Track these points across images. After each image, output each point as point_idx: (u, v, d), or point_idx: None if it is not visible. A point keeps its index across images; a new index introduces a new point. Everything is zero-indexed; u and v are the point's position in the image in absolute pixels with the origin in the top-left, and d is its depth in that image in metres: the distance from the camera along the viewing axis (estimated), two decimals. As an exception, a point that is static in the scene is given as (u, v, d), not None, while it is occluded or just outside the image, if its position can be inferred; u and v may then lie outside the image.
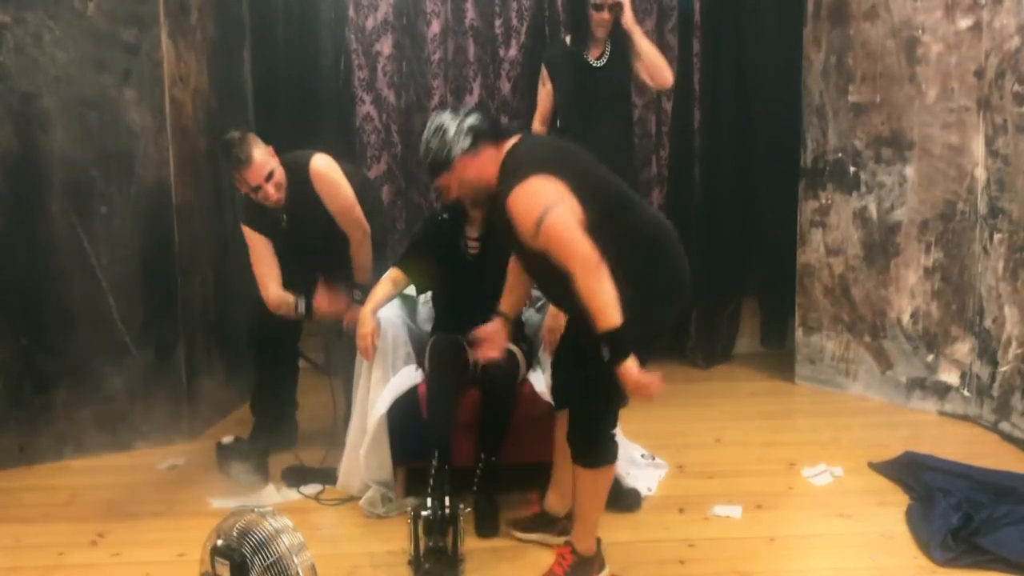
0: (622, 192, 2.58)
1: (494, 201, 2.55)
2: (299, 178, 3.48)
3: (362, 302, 3.45)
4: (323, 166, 3.51)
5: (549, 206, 2.33)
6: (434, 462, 3.04)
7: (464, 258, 3.33)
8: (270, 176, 3.37)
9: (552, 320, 3.21)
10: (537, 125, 4.21)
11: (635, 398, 2.44)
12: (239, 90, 4.60)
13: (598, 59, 4.06)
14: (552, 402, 2.99)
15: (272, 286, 3.54)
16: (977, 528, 2.95)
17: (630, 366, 2.36)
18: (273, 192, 3.39)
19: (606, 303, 2.32)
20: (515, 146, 2.54)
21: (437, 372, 3.17)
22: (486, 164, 2.53)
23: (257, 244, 3.55)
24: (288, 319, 3.60)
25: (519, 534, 3.05)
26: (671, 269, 2.58)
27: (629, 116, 4.37)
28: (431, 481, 3.01)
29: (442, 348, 3.20)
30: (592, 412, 2.61)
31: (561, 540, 2.86)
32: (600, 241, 2.34)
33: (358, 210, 3.56)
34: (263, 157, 3.36)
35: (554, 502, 3.05)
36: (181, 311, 3.94)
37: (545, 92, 4.18)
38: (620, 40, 4.03)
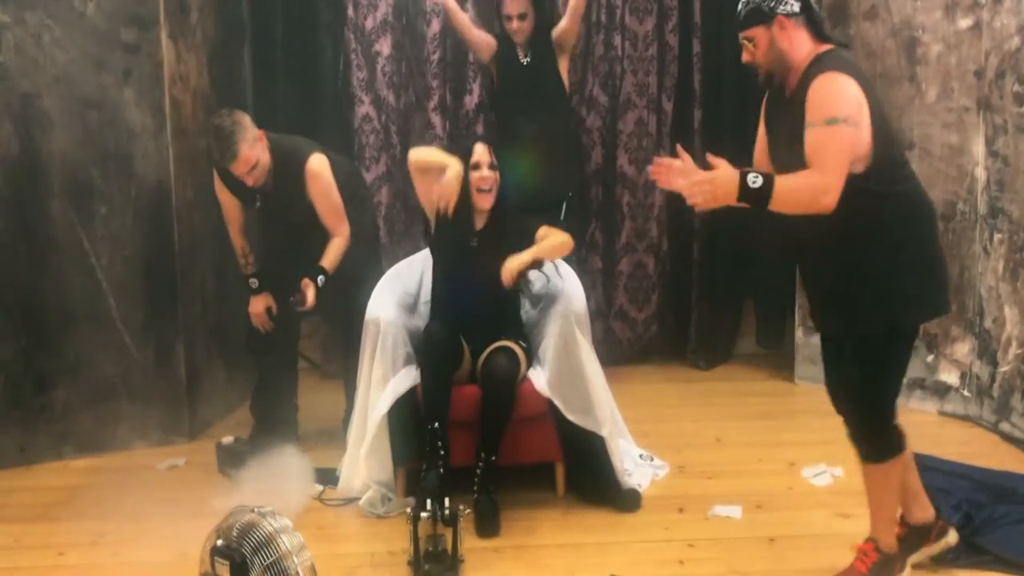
0: (901, 144, 2.55)
1: (779, 84, 2.49)
2: (291, 170, 3.54)
3: (321, 286, 3.54)
4: (320, 166, 3.57)
5: (849, 118, 2.29)
6: (432, 447, 3.07)
7: (467, 247, 3.36)
8: (253, 167, 3.44)
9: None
10: None
11: (697, 187, 2.33)
12: (239, 90, 4.60)
13: (525, 58, 4.31)
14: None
15: (239, 239, 3.73)
16: (977, 528, 2.94)
17: (731, 190, 2.30)
18: (252, 179, 3.49)
19: (796, 206, 2.31)
20: (836, 51, 2.45)
21: (431, 350, 3.19)
22: (801, 43, 2.44)
23: (228, 205, 3.69)
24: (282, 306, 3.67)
25: (912, 558, 2.75)
26: (929, 256, 2.50)
27: (561, 113, 4.42)
28: (427, 450, 3.05)
29: (437, 329, 3.23)
30: (866, 408, 2.54)
31: (937, 547, 2.77)
32: (864, 194, 2.33)
33: (343, 213, 3.64)
34: (248, 151, 3.41)
35: (916, 513, 2.76)
36: (181, 311, 3.94)
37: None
38: (541, 42, 4.28)
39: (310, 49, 4.73)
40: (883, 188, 2.40)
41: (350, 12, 4.58)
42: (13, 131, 3.61)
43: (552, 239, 3.30)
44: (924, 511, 2.73)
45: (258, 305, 3.72)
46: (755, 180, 2.30)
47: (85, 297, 3.77)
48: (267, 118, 4.70)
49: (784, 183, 2.31)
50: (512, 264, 3.15)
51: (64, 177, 3.70)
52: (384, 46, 4.60)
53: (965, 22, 3.93)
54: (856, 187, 2.32)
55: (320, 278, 3.56)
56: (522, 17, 4.19)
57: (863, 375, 2.50)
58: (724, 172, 2.34)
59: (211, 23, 4.22)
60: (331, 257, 3.61)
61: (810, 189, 2.29)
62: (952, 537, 2.75)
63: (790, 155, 2.40)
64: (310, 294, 3.51)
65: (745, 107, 4.83)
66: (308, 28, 4.71)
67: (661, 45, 4.76)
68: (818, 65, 2.40)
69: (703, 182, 2.32)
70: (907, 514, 2.74)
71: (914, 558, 2.74)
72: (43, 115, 3.64)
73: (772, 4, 2.44)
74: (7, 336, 3.68)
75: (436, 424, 3.10)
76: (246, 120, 3.45)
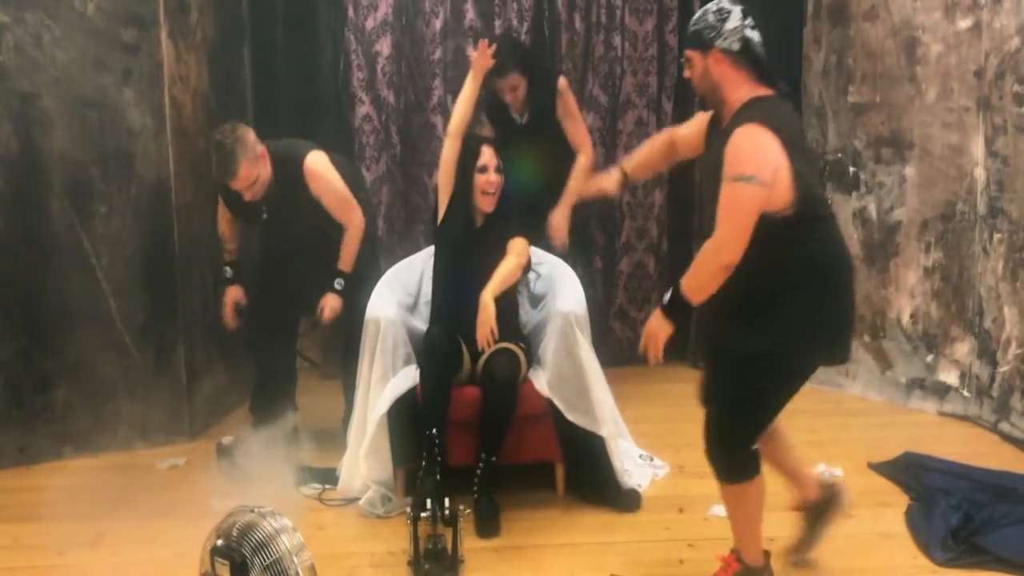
0: (825, 203, 2.53)
1: (716, 118, 2.52)
2: (291, 174, 3.52)
3: (343, 291, 3.52)
4: (317, 164, 3.56)
5: (758, 176, 2.29)
6: (428, 453, 3.06)
7: (467, 245, 3.36)
8: (253, 183, 3.44)
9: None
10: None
11: (643, 343, 2.51)
12: (239, 90, 4.60)
13: (521, 116, 4.08)
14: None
15: (224, 235, 3.76)
16: (977, 528, 2.95)
17: (662, 322, 2.44)
18: (251, 194, 3.48)
19: (702, 286, 2.37)
20: (772, 99, 2.44)
21: (432, 354, 3.19)
22: (738, 82, 2.43)
23: (227, 219, 3.74)
24: (282, 306, 3.70)
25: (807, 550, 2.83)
26: (832, 306, 2.48)
27: (555, 172, 4.06)
28: (423, 455, 3.05)
29: (437, 334, 3.24)
30: (725, 425, 2.53)
31: (844, 501, 2.79)
32: (776, 239, 2.34)
33: (354, 201, 3.62)
34: (248, 169, 3.41)
35: (808, 492, 2.79)
36: (181, 311, 3.94)
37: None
38: (539, 104, 4.02)
39: (310, 49, 4.73)
40: (800, 235, 2.40)
41: (350, 12, 4.58)
42: (13, 131, 3.61)
43: (503, 268, 3.25)
44: (813, 486, 2.74)
45: (229, 296, 3.74)
46: (667, 298, 2.45)
47: (85, 297, 3.77)
48: (267, 118, 4.72)
49: (687, 275, 2.40)
50: (483, 329, 3.12)
51: (64, 177, 3.70)
52: (384, 46, 4.60)
53: (965, 22, 3.93)
54: (774, 226, 2.34)
55: (339, 282, 3.61)
56: (513, 89, 3.98)
57: (733, 392, 2.49)
58: (651, 320, 2.49)
59: (211, 23, 4.22)
60: (347, 256, 3.63)
61: (710, 256, 2.36)
62: (843, 490, 2.74)
63: (712, 181, 2.43)
64: (330, 306, 3.60)
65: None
66: (308, 28, 4.71)
67: (661, 45, 4.76)
68: (745, 112, 2.40)
69: (646, 340, 2.49)
70: (801, 497, 2.75)
71: (827, 529, 2.80)
72: (43, 115, 3.64)
73: (711, 35, 2.43)
74: (7, 336, 3.68)
75: (433, 430, 3.10)
76: (249, 136, 3.43)
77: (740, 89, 2.43)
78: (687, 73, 2.51)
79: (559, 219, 3.97)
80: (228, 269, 3.77)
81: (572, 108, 4.04)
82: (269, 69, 4.73)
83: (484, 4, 4.64)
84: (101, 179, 3.75)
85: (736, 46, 2.41)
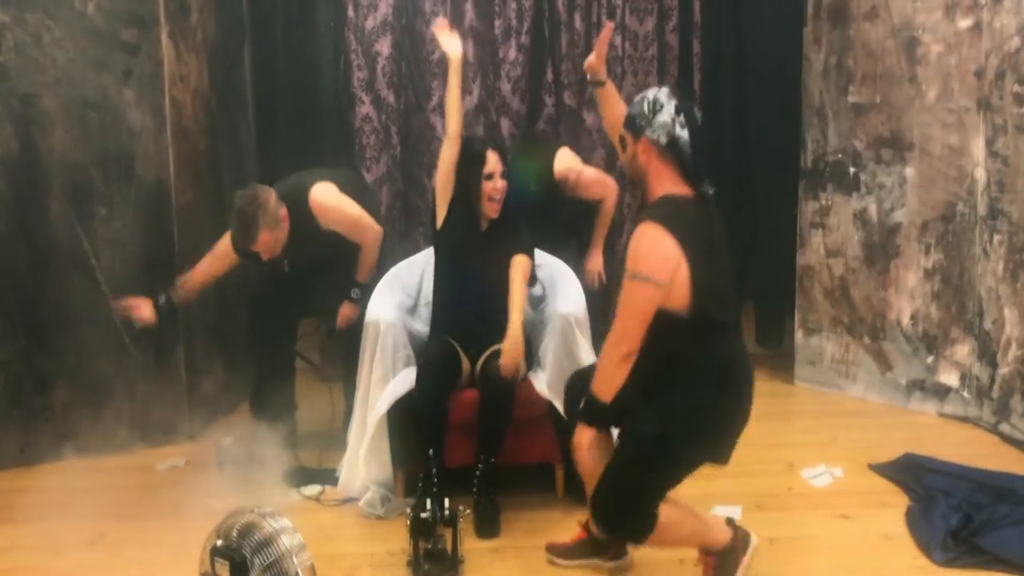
0: (727, 310, 2.53)
1: (643, 202, 2.59)
2: (299, 212, 3.49)
3: (359, 300, 3.50)
4: (323, 196, 3.54)
5: (651, 276, 2.34)
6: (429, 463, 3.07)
7: (470, 249, 3.35)
8: (273, 244, 3.42)
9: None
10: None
11: (572, 454, 2.58)
12: (239, 90, 4.60)
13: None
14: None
15: (196, 278, 3.62)
16: (977, 529, 2.95)
17: (583, 429, 2.51)
18: (267, 255, 3.45)
19: (609, 378, 2.43)
20: (685, 200, 2.46)
21: (428, 373, 3.19)
22: (661, 175, 2.47)
23: (225, 260, 3.58)
24: (283, 306, 3.68)
25: (562, 562, 2.91)
26: (722, 409, 2.52)
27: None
28: (419, 485, 3.05)
29: (434, 350, 3.24)
30: (614, 488, 2.53)
31: (612, 565, 2.84)
32: (677, 335, 2.39)
33: (366, 217, 3.60)
34: (268, 235, 3.37)
35: (717, 538, 2.71)
36: (181, 311, 3.93)
37: None
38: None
39: (310, 49, 4.73)
40: (698, 337, 2.43)
41: (350, 12, 4.57)
42: (13, 131, 3.61)
43: (517, 292, 3.23)
44: (722, 532, 2.67)
45: (141, 307, 3.58)
46: (582, 406, 2.52)
47: (85, 298, 3.77)
48: (267, 118, 4.73)
49: (594, 378, 2.48)
50: (514, 359, 3.13)
51: (64, 178, 3.70)
52: (384, 46, 4.59)
53: (965, 22, 3.93)
54: (675, 323, 2.39)
55: (355, 292, 3.61)
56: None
57: (620, 467, 2.53)
58: (575, 434, 2.55)
59: (211, 23, 4.22)
60: (366, 268, 3.64)
61: (610, 348, 2.42)
62: (753, 538, 2.70)
63: None
64: (345, 315, 3.63)
65: (745, 107, 4.84)
66: (308, 28, 4.71)
67: (661, 45, 4.76)
68: (653, 209, 2.45)
69: (573, 450, 2.55)
70: (711, 545, 2.67)
71: (570, 564, 2.86)
72: (43, 115, 3.64)
73: (642, 123, 2.46)
74: (7, 336, 3.68)
75: (431, 451, 3.10)
76: (270, 201, 3.38)
77: (662, 182, 2.47)
78: (621, 154, 2.58)
79: (593, 263, 4.06)
80: (164, 298, 3.59)
81: (582, 181, 3.92)
82: (269, 69, 4.73)
83: (484, 4, 4.63)
84: (101, 180, 3.75)
85: (663, 140, 2.44)
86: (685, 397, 2.45)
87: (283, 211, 3.43)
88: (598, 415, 2.50)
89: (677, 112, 2.44)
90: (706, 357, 2.46)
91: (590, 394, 2.48)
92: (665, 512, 2.51)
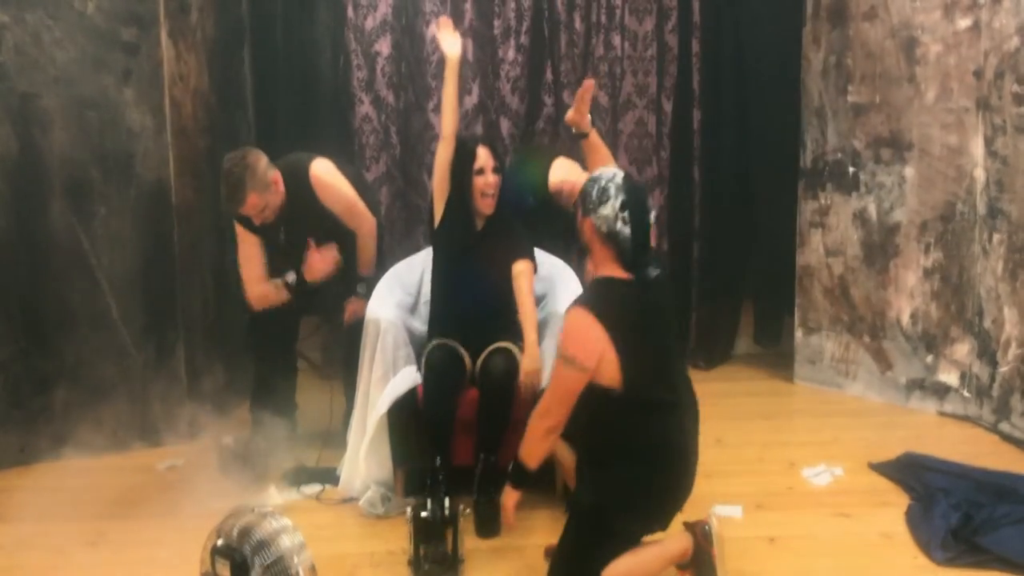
0: (663, 390, 2.54)
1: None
2: (299, 186, 3.51)
3: (366, 295, 3.48)
4: (323, 171, 3.57)
5: (576, 361, 2.41)
6: (436, 464, 3.07)
7: (467, 248, 3.36)
8: (262, 209, 3.44)
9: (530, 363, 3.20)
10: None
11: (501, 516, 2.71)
12: (239, 90, 4.60)
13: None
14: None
15: (255, 286, 3.60)
16: (977, 528, 2.95)
17: (510, 491, 2.63)
18: (260, 219, 3.47)
19: (534, 448, 2.55)
20: (618, 284, 2.50)
21: (435, 380, 3.19)
22: (600, 256, 2.53)
23: (248, 243, 3.60)
24: (284, 306, 3.63)
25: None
26: (657, 485, 2.54)
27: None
28: (427, 482, 3.03)
29: (438, 358, 3.23)
30: (560, 565, 2.59)
31: (715, 541, 2.75)
32: (611, 411, 2.45)
33: (362, 204, 3.62)
34: (256, 198, 3.39)
35: (684, 546, 2.69)
36: (181, 311, 3.94)
37: None
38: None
39: (310, 49, 4.73)
40: (633, 414, 2.47)
41: (350, 12, 4.58)
42: (13, 131, 3.61)
43: (527, 303, 3.25)
44: (681, 543, 2.65)
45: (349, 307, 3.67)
46: (511, 470, 2.62)
47: (85, 297, 3.76)
48: (267, 118, 4.72)
49: (522, 442, 2.57)
50: (533, 380, 3.15)
51: (64, 177, 3.69)
52: (384, 46, 4.60)
53: (964, 22, 3.93)
54: (608, 400, 2.44)
55: (362, 286, 3.62)
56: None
57: (565, 537, 2.59)
58: (503, 495, 2.67)
59: (211, 23, 4.22)
60: (366, 260, 3.65)
61: (535, 420, 2.53)
62: (711, 523, 2.66)
63: None
64: (353, 310, 3.62)
65: (745, 107, 4.84)
66: (308, 28, 4.71)
67: (661, 45, 4.76)
68: (586, 292, 2.55)
69: (502, 512, 2.69)
70: (678, 560, 2.66)
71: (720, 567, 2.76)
72: (43, 115, 3.64)
73: (591, 205, 2.50)
74: (7, 336, 3.68)
75: (438, 459, 3.10)
76: (260, 164, 3.40)
77: (602, 263, 2.54)
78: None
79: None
80: (291, 274, 3.58)
81: (576, 193, 3.86)
82: (269, 69, 4.73)
83: (484, 4, 4.63)
84: (101, 179, 3.75)
85: (604, 229, 2.48)
86: (620, 471, 2.51)
87: (274, 175, 3.45)
88: (525, 479, 2.60)
89: (622, 208, 2.46)
90: (641, 433, 2.50)
91: (516, 460, 2.59)
92: (609, 573, 2.50)
